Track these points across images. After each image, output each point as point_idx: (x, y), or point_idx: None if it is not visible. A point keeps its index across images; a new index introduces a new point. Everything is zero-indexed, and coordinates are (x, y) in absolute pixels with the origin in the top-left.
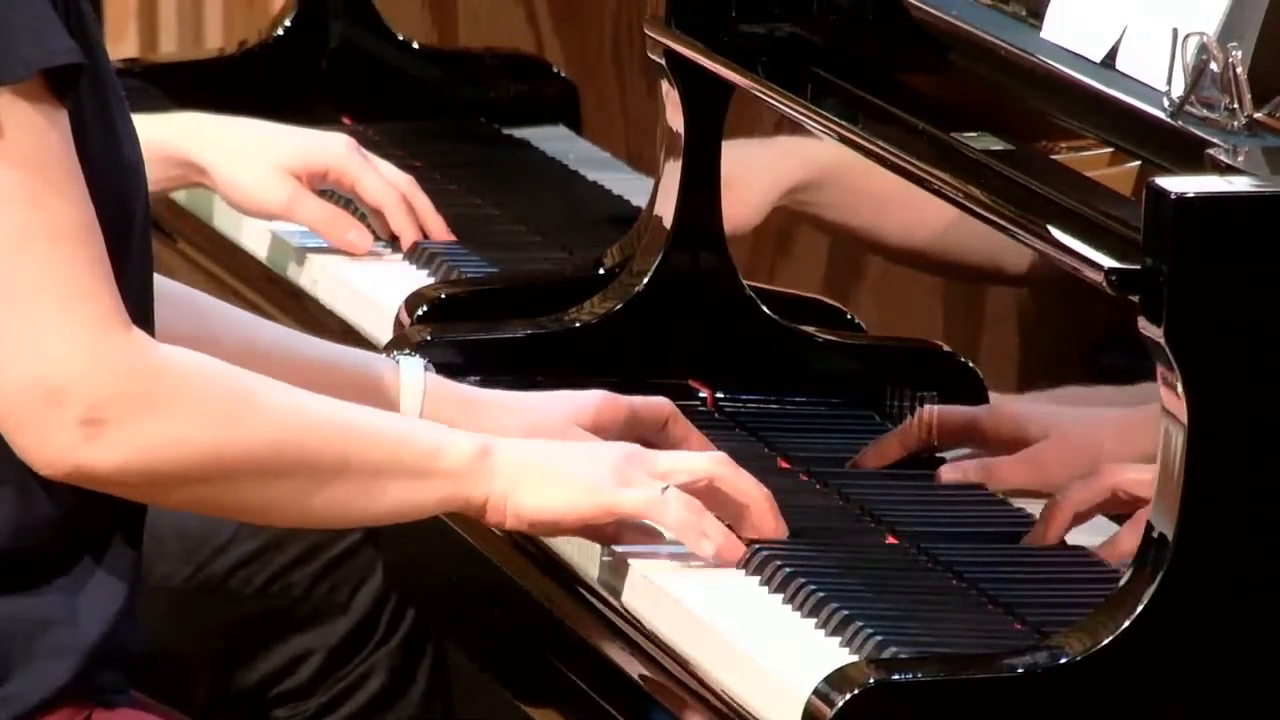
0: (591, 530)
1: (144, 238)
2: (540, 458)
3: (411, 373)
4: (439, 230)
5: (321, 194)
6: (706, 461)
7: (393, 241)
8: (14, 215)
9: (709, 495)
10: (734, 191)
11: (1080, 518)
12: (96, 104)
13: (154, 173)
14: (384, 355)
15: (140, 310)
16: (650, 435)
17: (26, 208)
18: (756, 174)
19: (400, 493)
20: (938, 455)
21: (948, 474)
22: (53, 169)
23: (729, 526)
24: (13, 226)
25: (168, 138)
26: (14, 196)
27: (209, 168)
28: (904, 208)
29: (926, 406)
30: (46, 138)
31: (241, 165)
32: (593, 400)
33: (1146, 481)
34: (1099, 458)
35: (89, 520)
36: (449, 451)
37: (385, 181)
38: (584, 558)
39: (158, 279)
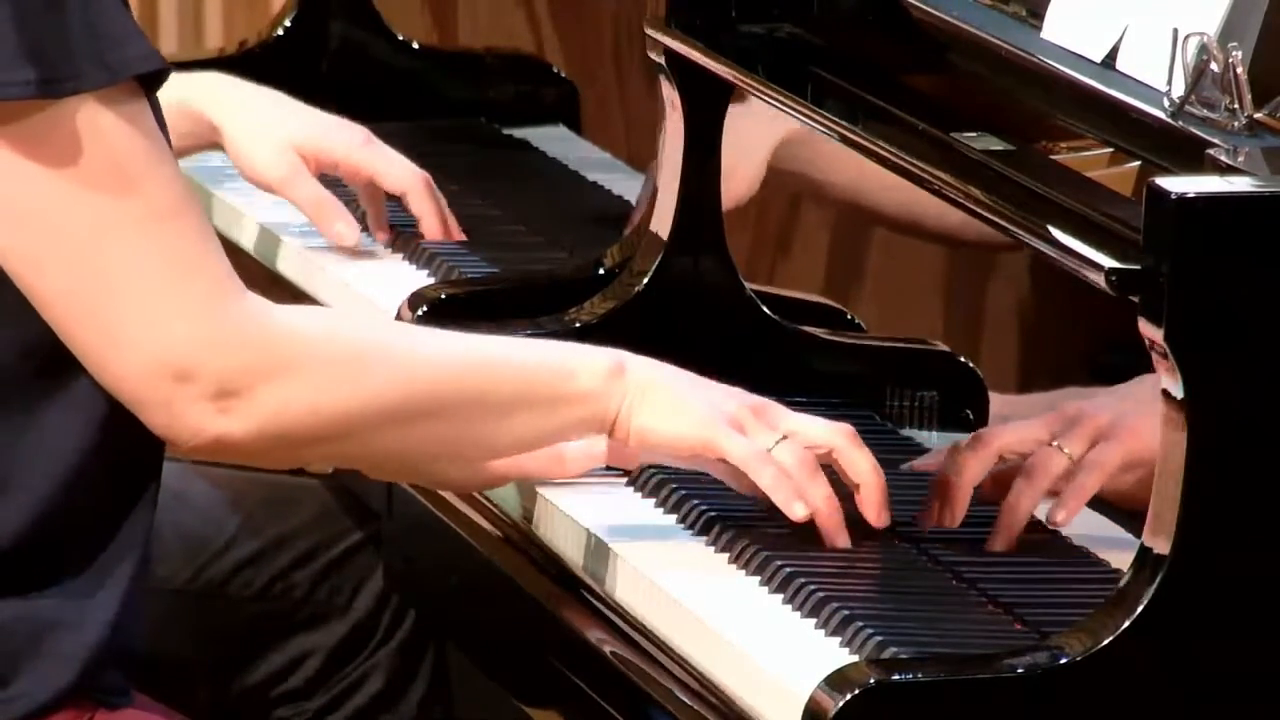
0: (729, 475)
1: None
2: (669, 381)
3: None
4: (452, 226)
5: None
6: (830, 431)
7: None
8: (116, 208)
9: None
10: (727, 169)
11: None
12: None
13: (172, 128)
14: None
15: None
16: None
17: (126, 198)
18: (741, 145)
19: (539, 420)
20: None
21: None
22: (145, 159)
23: None
24: (117, 219)
25: (187, 95)
26: (113, 189)
27: (224, 129)
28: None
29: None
30: (135, 133)
31: (254, 134)
32: None
33: (1028, 437)
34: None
35: (96, 524)
36: (582, 372)
37: (406, 166)
38: (584, 558)
39: None
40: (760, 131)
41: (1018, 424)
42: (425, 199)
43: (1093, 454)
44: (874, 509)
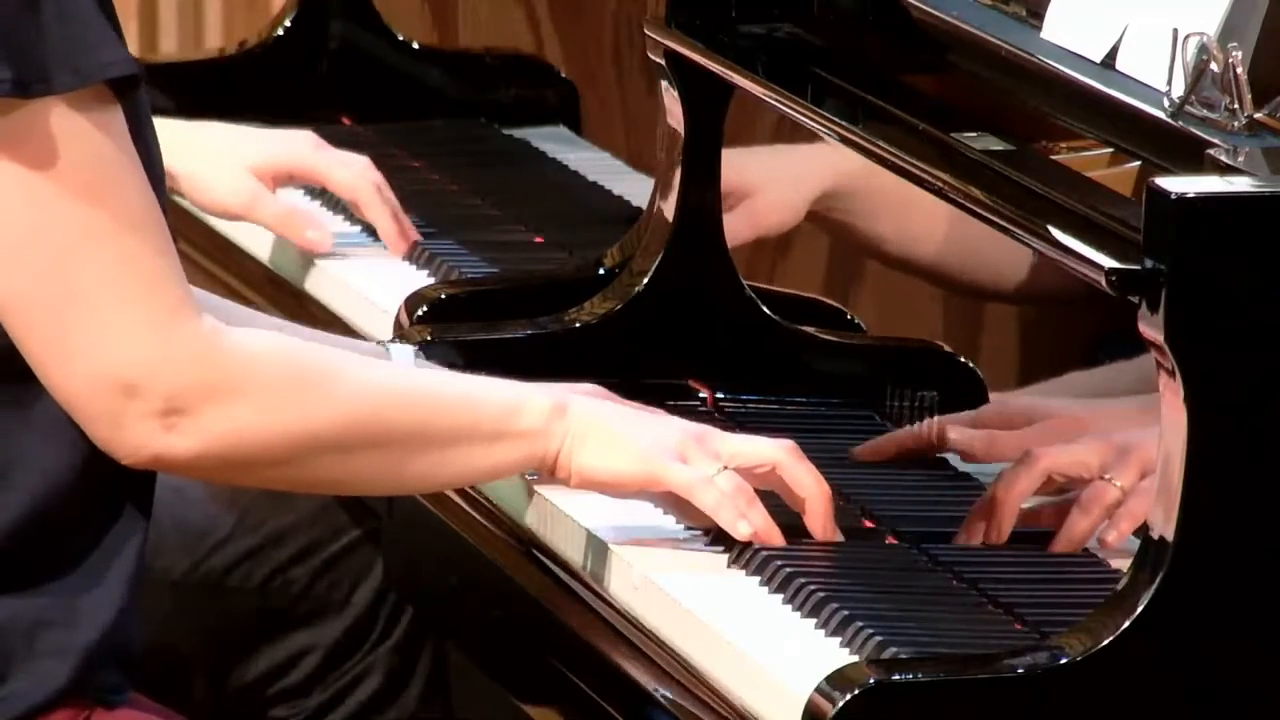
0: (677, 507)
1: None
2: (609, 419)
3: (401, 360)
4: (406, 228)
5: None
6: (771, 449)
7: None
8: (77, 217)
9: (769, 483)
10: (769, 196)
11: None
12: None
13: None
14: (373, 343)
15: None
16: None
17: (88, 209)
18: (790, 178)
19: (479, 456)
20: (939, 456)
21: (954, 434)
22: (111, 170)
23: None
24: (76, 228)
25: None
26: (75, 200)
27: (175, 172)
28: (934, 219)
29: (932, 420)
30: (103, 142)
31: (206, 168)
32: (583, 393)
33: (1079, 461)
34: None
35: (92, 522)
36: (525, 411)
37: (354, 174)
38: (584, 558)
39: None
40: (808, 174)
41: (1069, 447)
42: (376, 206)
43: (1146, 483)
44: (819, 522)
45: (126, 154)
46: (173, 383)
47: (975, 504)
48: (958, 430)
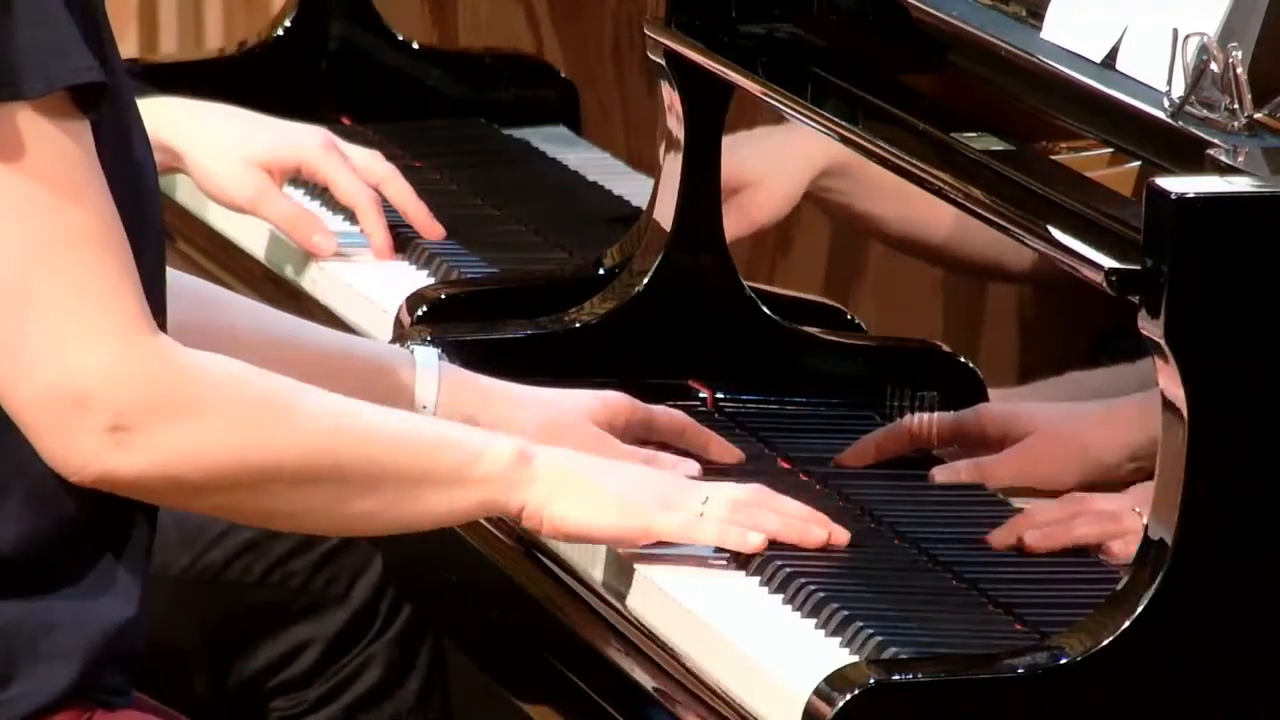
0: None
1: (156, 234)
2: (583, 470)
3: (427, 362)
4: (422, 219)
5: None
6: (745, 491)
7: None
8: (38, 224)
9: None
10: (763, 186)
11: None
12: (111, 109)
13: None
14: (398, 347)
15: (153, 306)
16: (670, 440)
17: (50, 217)
18: (782, 164)
19: (436, 500)
20: (935, 454)
21: (941, 475)
22: (75, 178)
23: None
24: (36, 235)
25: (147, 122)
26: (37, 206)
27: (184, 155)
28: (931, 198)
29: (911, 416)
30: (69, 149)
31: (215, 156)
32: (609, 399)
33: (1113, 512)
34: (1086, 448)
35: (99, 527)
36: (487, 457)
37: (358, 181)
38: (584, 558)
39: (168, 272)
40: (801, 157)
41: (1111, 497)
42: (371, 219)
43: None
44: (812, 545)
45: (91, 165)
46: (124, 397)
47: (1003, 528)
48: (944, 471)
